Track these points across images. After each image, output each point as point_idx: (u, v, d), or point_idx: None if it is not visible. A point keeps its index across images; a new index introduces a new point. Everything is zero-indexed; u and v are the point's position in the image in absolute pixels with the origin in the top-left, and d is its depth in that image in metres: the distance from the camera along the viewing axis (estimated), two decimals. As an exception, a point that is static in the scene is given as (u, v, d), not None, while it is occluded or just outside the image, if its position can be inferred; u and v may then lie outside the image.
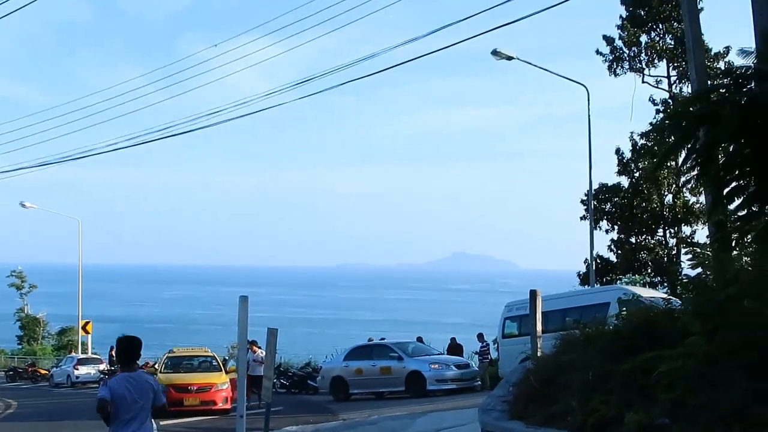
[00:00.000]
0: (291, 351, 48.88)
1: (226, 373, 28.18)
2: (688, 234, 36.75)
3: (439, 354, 30.12)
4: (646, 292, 27.50)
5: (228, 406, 26.21)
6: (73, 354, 55.02)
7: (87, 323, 56.40)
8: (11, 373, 56.35)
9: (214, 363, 28.67)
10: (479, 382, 28.78)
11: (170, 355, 29.26)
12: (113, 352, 49.21)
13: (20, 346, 74.81)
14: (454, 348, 33.62)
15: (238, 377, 15.97)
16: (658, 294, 26.89)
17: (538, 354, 18.93)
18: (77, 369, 49.14)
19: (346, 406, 27.23)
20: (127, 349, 9.28)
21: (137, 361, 9.42)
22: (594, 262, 36.11)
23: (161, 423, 23.83)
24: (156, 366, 31.41)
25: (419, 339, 33.90)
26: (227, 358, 40.94)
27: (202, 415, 25.72)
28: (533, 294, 19.50)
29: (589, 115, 31.49)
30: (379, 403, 27.25)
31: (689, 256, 11.85)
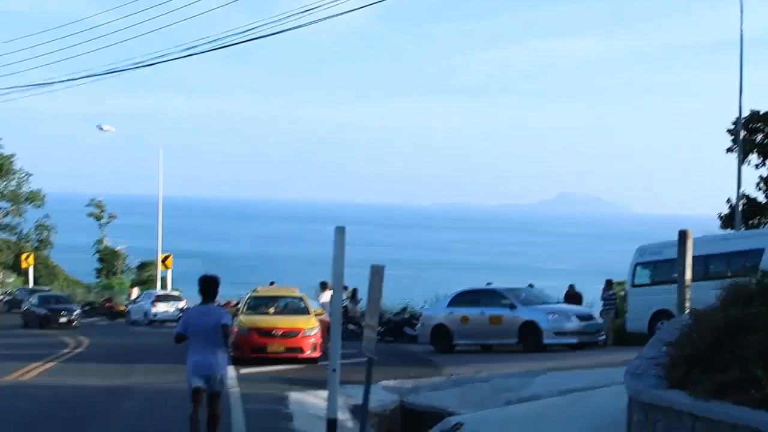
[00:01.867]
0: (384, 294, 47.03)
1: (315, 315, 26.66)
2: None
3: (557, 303, 28.01)
4: (808, 238, 25.00)
5: (317, 354, 24.65)
6: (152, 290, 54.70)
7: (167, 257, 55.90)
8: (87, 308, 56.35)
9: (302, 305, 27.06)
10: (604, 337, 26.66)
11: (253, 294, 27.66)
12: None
13: (98, 280, 75.27)
14: (572, 296, 31.45)
15: (332, 323, 14.27)
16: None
17: (686, 306, 16.90)
18: (155, 306, 48.73)
19: (449, 358, 25.52)
20: (205, 286, 12.12)
21: (215, 298, 12.29)
22: (731, 203, 33.49)
23: (241, 371, 22.69)
24: (238, 306, 30.11)
25: (530, 285, 31.85)
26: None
27: (288, 363, 24.26)
28: (683, 236, 17.17)
29: (741, 26, 29.04)
30: (488, 357, 25.46)
31: None
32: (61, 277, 77.95)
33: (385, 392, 19.32)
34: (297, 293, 28.18)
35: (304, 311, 26.59)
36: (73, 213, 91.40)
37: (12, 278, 71.09)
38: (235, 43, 20.03)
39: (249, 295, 27.86)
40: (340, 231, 13.29)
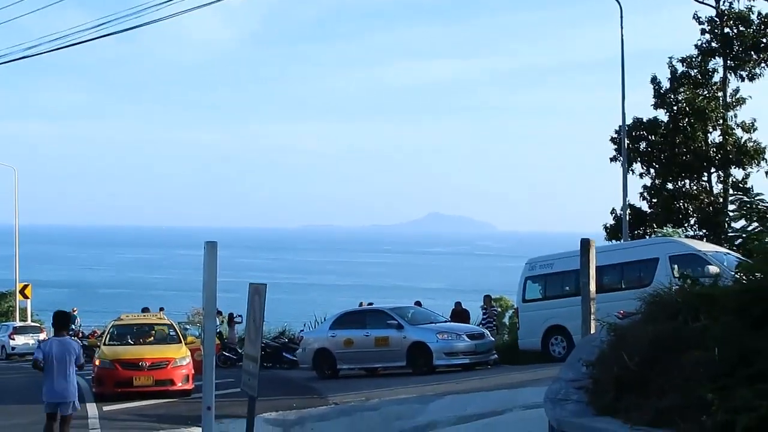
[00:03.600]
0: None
1: (186, 344, 24.47)
2: (740, 179, 33.21)
3: (445, 321, 26.47)
4: (703, 246, 24.16)
5: (189, 386, 22.44)
6: (9, 321, 51.19)
7: (25, 286, 52.38)
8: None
9: (172, 333, 24.81)
10: (496, 356, 25.24)
11: (116, 323, 25.13)
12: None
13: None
14: (460, 314, 30.01)
15: (204, 352, 12.39)
16: (719, 248, 23.54)
17: (591, 321, 15.57)
18: (13, 339, 45.42)
19: (334, 385, 23.66)
20: (57, 320, 13.97)
21: (66, 330, 14.06)
22: (615, 213, 32.81)
23: (105, 408, 20.46)
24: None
25: (418, 303, 30.31)
26: (187, 326, 37.34)
27: (157, 397, 21.99)
28: (585, 245, 15.80)
29: (622, 32, 28.50)
30: (375, 382, 23.67)
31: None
32: None
33: (267, 426, 17.42)
34: (165, 319, 25.94)
35: (174, 339, 24.37)
36: None
37: None
38: (79, 42, 17.75)
39: (112, 323, 25.37)
40: (212, 246, 11.45)
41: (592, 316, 15.27)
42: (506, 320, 59.72)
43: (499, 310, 68.96)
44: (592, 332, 15.03)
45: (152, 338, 24.64)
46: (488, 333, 26.27)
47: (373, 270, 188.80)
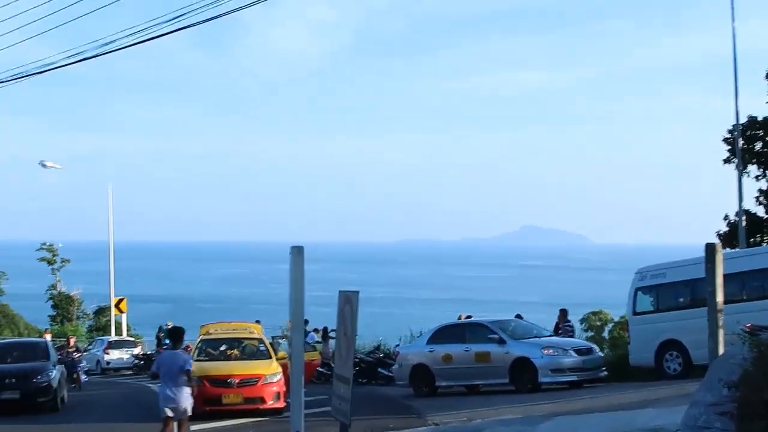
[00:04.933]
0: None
1: (278, 360, 23.30)
2: None
3: (550, 335, 24.80)
4: None
5: (281, 404, 21.25)
6: (105, 336, 51.03)
7: (120, 301, 52.15)
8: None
9: (262, 347, 23.66)
10: (605, 372, 23.48)
11: (205, 337, 24.03)
12: (161, 334, 45.08)
13: (53, 327, 71.19)
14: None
15: (291, 369, 11.17)
16: None
17: (720, 335, 13.83)
18: (108, 353, 45.10)
19: (432, 403, 22.26)
20: (171, 335, 15.72)
21: (180, 343, 15.56)
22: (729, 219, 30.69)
23: (192, 428, 19.30)
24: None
25: (518, 316, 28.67)
26: (280, 340, 36.24)
27: (247, 416, 20.91)
28: (711, 250, 14.02)
29: (733, 28, 26.67)
30: (477, 400, 22.18)
31: None
32: (21, 326, 73.96)
33: (362, 449, 16.12)
34: (255, 333, 24.75)
35: (265, 355, 23.21)
36: (23, 259, 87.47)
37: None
38: (156, 36, 16.75)
39: (200, 338, 24.26)
40: (298, 251, 10.24)
41: (721, 330, 13.59)
42: (606, 334, 57.64)
43: (598, 323, 67.10)
44: (720, 348, 13.39)
45: (242, 353, 23.52)
46: (597, 348, 24.53)
47: (468, 284, 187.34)
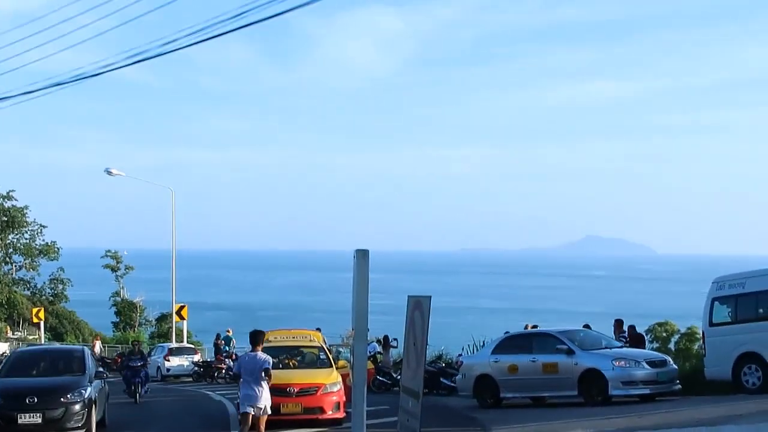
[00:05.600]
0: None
1: (338, 368, 22.56)
2: None
3: (621, 346, 23.71)
4: None
5: (340, 414, 20.53)
6: (165, 343, 50.82)
7: (182, 307, 51.81)
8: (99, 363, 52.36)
9: (323, 356, 22.93)
10: (679, 386, 22.35)
11: (264, 345, 23.24)
12: (219, 341, 44.68)
13: (115, 334, 71.51)
14: (635, 338, 27.16)
15: (354, 381, 10.45)
16: None
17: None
18: (168, 360, 44.80)
19: (497, 415, 21.36)
20: (251, 338, 16.47)
21: (259, 346, 16.28)
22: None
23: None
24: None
25: (587, 326, 27.61)
26: (340, 348, 35.56)
27: (306, 426, 20.18)
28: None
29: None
30: (544, 413, 21.26)
31: None
32: (86, 332, 74.49)
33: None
34: (315, 341, 23.99)
35: (325, 363, 22.48)
36: (89, 267, 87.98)
37: (34, 334, 67.16)
38: (219, 35, 16.14)
39: (259, 346, 23.59)
40: (363, 254, 9.50)
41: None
42: (672, 345, 56.04)
43: (664, 335, 65.36)
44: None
45: (301, 362, 22.80)
46: (670, 360, 23.38)
47: (531, 293, 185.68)
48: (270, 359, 16.32)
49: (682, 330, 60.77)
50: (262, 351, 16.32)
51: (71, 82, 21.27)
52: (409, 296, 9.00)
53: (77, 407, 18.48)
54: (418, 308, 8.45)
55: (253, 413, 15.83)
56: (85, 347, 24.60)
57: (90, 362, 20.62)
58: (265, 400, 15.86)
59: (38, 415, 18.08)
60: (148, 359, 36.23)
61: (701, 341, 24.75)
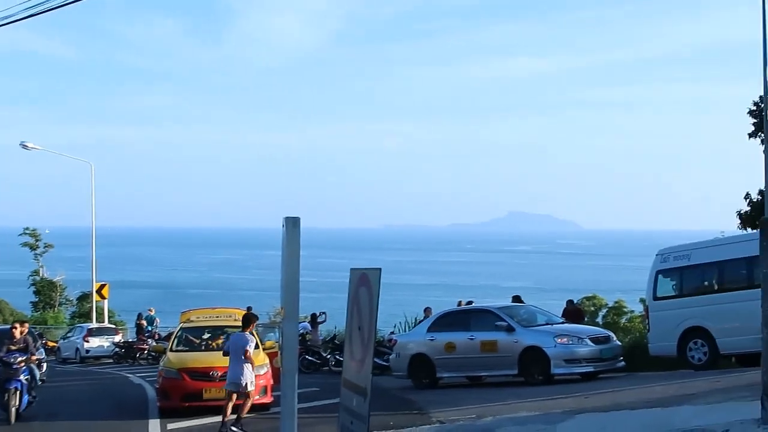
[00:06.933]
0: (343, 319, 41.59)
1: (264, 350, 21.11)
2: None
3: (563, 322, 22.64)
4: None
5: (267, 399, 19.03)
6: (85, 323, 48.75)
7: (102, 286, 49.81)
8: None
9: (248, 336, 21.38)
10: (623, 362, 21.37)
11: (185, 325, 21.58)
12: (142, 321, 42.77)
13: (33, 314, 68.87)
14: (572, 313, 26.20)
15: (283, 366, 9.07)
16: None
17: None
18: (87, 341, 42.84)
19: (434, 396, 20.12)
20: (243, 320, 17.52)
21: (248, 327, 16.87)
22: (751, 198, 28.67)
23: (170, 426, 17.27)
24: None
25: (517, 298, 26.51)
26: (269, 329, 34.00)
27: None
28: (766, 225, 11.95)
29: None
30: (483, 394, 20.03)
31: None
32: (6, 312, 71.56)
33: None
34: (239, 319, 22.42)
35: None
36: (7, 246, 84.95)
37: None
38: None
39: (180, 326, 21.85)
40: (293, 222, 8.07)
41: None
42: (599, 319, 55.68)
43: (592, 308, 65.03)
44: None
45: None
46: (614, 336, 22.38)
47: (456, 269, 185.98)
48: (252, 339, 16.60)
49: (610, 304, 60.69)
50: (249, 333, 16.68)
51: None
52: (352, 269, 7.62)
53: None
54: (365, 283, 7.10)
55: (235, 390, 16.20)
56: None
57: None
58: (245, 378, 16.19)
59: None
60: (38, 350, 22.34)
61: (644, 315, 23.85)
